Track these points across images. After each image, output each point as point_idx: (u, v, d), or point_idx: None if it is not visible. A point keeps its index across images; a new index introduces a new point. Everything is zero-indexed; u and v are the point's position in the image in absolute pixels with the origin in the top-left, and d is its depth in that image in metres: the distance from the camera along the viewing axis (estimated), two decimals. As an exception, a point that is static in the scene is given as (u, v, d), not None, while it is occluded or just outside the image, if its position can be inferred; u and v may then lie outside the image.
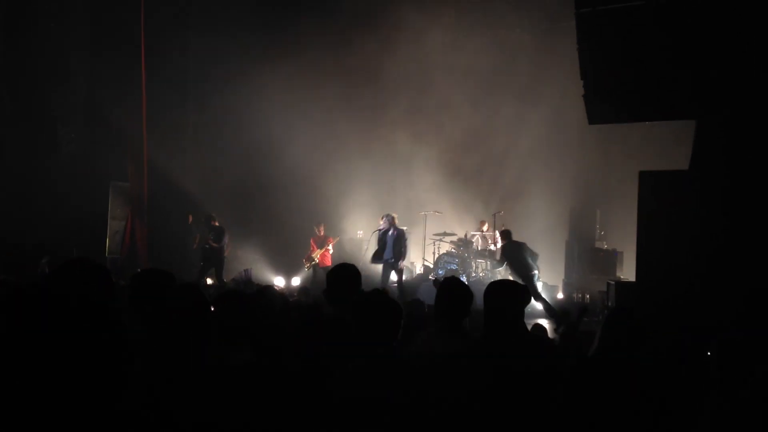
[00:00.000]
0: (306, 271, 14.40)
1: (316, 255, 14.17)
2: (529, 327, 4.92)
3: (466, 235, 14.36)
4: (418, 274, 14.61)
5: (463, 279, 12.85)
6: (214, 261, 13.41)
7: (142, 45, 14.40)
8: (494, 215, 14.68)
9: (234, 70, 15.61)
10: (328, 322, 3.80)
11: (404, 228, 12.64)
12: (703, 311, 5.94)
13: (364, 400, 2.85)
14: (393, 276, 12.01)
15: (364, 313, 3.19)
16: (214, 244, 13.34)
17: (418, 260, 15.30)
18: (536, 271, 11.69)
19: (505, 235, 12.04)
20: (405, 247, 12.14)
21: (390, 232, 12.09)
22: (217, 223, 13.50)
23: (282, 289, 12.96)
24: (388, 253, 12.04)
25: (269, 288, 4.90)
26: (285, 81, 15.20)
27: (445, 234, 14.54)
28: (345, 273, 4.14)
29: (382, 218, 12.41)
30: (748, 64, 6.56)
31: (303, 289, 11.57)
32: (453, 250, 14.15)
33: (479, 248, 14.31)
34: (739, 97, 6.72)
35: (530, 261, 11.61)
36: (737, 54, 6.59)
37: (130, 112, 14.23)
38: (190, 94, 16.48)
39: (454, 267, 13.51)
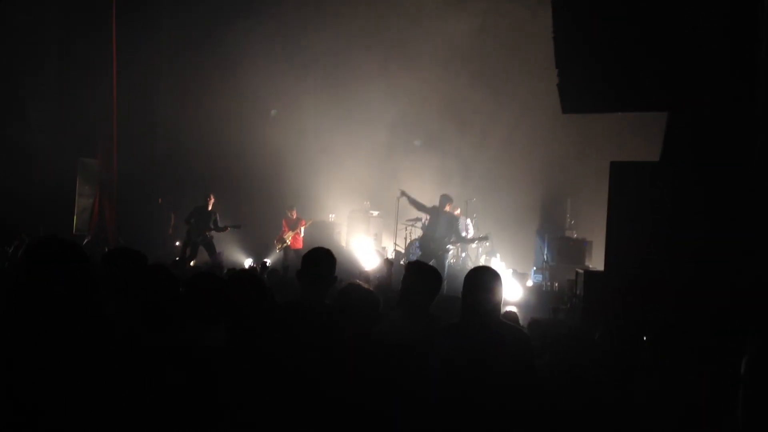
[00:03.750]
0: (277, 252, 14.34)
1: (288, 237, 14.12)
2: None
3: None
4: (390, 259, 14.64)
5: (433, 263, 12.91)
6: (209, 246, 13.10)
7: (113, 21, 14.14)
8: (466, 202, 14.76)
9: (207, 50, 15.43)
10: (304, 305, 3.80)
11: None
12: (669, 301, 6.04)
13: (339, 381, 2.86)
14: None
15: (346, 304, 3.22)
16: (212, 232, 13.08)
17: (390, 245, 15.33)
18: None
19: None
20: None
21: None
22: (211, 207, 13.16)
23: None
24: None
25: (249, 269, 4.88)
26: (258, 62, 15.09)
27: (417, 220, 14.56)
28: (321, 256, 4.13)
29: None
30: (718, 58, 6.64)
31: (272, 271, 11.55)
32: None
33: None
34: (709, 90, 6.80)
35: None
36: (709, 48, 6.67)
37: (100, 89, 13.99)
38: (163, 73, 16.26)
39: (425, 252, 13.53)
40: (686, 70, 6.90)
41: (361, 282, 3.65)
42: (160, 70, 16.13)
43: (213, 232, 13.06)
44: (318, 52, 15.95)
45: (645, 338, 3.07)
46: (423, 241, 11.93)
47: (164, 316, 2.86)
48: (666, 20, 6.86)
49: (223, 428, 2.68)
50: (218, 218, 13.16)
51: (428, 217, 12.45)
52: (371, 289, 3.48)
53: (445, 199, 11.67)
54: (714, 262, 6.23)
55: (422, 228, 13.09)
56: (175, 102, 16.10)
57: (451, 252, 13.27)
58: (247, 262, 13.89)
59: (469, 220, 14.50)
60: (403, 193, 11.68)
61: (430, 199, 12.17)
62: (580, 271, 8.83)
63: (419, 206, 11.75)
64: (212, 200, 13.10)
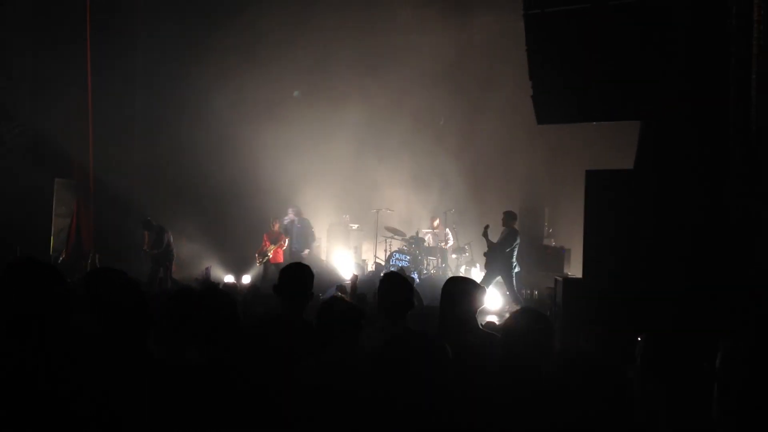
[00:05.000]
0: (257, 266, 14.30)
1: (270, 250, 14.10)
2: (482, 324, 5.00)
3: (417, 233, 14.47)
4: (370, 271, 14.66)
5: (415, 276, 12.97)
6: (163, 261, 13.27)
7: (87, 39, 14.10)
8: (445, 213, 14.86)
9: (183, 65, 15.40)
10: (283, 322, 3.81)
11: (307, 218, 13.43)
12: (647, 307, 6.12)
13: (318, 399, 2.87)
14: None
15: (328, 320, 3.22)
16: (155, 251, 13.18)
17: (370, 257, 15.35)
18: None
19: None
20: (312, 236, 12.72)
21: (296, 223, 12.67)
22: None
23: (234, 286, 12.86)
24: (296, 244, 12.62)
25: (220, 288, 4.88)
26: (235, 76, 15.10)
27: (396, 231, 14.62)
28: (299, 272, 4.16)
29: (289, 210, 12.91)
30: (691, 68, 6.76)
31: (252, 287, 11.53)
32: (404, 247, 14.24)
33: (430, 245, 14.44)
34: (681, 99, 6.92)
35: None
36: (681, 58, 6.79)
37: (76, 108, 13.91)
38: (138, 91, 16.19)
39: (405, 264, 13.59)
40: (658, 80, 7.02)
41: (343, 295, 3.70)
42: (135, 89, 16.07)
43: (155, 250, 13.20)
44: (297, 67, 15.98)
45: (639, 339, 3.11)
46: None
47: (139, 333, 2.85)
48: (637, 31, 6.98)
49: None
50: (167, 230, 13.36)
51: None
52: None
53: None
54: (688, 266, 6.33)
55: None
56: (152, 119, 16.03)
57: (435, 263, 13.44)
58: (227, 278, 13.85)
59: (448, 230, 14.59)
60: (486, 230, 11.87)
61: (410, 210, 12.29)
62: (559, 278, 8.90)
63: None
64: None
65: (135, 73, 15.92)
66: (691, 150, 6.68)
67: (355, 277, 8.94)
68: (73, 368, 2.62)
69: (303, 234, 13.54)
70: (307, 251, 13.42)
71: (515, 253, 11.61)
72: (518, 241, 11.64)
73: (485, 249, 11.91)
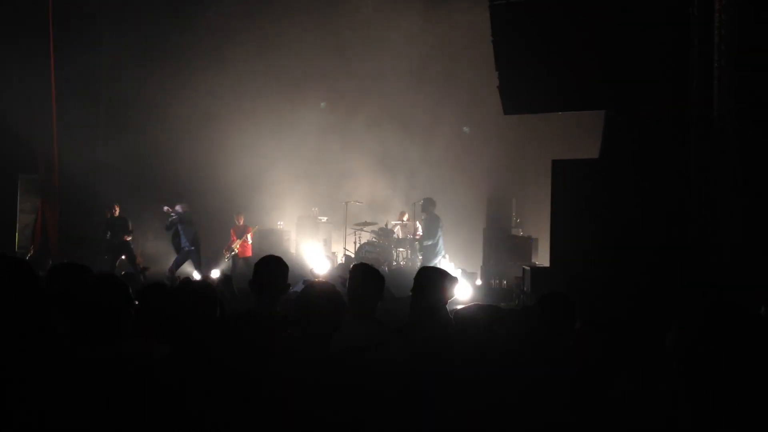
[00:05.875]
0: (226, 261, 14.21)
1: (236, 245, 14.01)
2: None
3: (386, 225, 14.50)
4: (340, 264, 14.66)
5: (384, 269, 13.01)
6: (126, 250, 13.27)
7: (50, 32, 13.85)
8: (414, 205, 14.91)
9: (147, 58, 15.21)
10: (256, 314, 3.81)
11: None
12: (612, 294, 6.23)
13: (293, 394, 2.87)
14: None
15: (310, 307, 3.22)
16: (128, 238, 13.22)
17: (340, 250, 15.35)
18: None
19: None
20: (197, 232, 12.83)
21: (186, 220, 12.68)
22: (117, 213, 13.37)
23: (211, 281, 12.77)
24: (185, 241, 12.65)
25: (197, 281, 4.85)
26: (199, 68, 14.97)
27: (365, 224, 14.62)
28: (273, 264, 4.15)
29: (176, 206, 12.87)
30: (654, 59, 6.88)
31: (225, 277, 11.45)
32: (374, 239, 14.26)
33: (399, 237, 14.48)
34: (644, 89, 7.04)
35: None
36: (645, 48, 6.91)
37: (39, 103, 13.67)
38: (103, 88, 15.95)
39: (374, 256, 13.61)
40: (622, 70, 7.13)
41: (323, 280, 3.70)
42: (99, 85, 15.82)
43: (129, 237, 13.30)
44: (264, 56, 15.86)
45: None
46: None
47: (109, 329, 2.82)
48: (602, 22, 7.08)
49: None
50: (129, 224, 13.43)
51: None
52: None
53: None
54: (651, 254, 6.46)
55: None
56: (117, 116, 15.80)
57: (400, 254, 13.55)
58: (196, 274, 13.74)
59: (417, 223, 14.65)
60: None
61: (379, 202, 12.36)
62: (527, 267, 9.02)
63: None
64: (117, 208, 13.38)
65: (99, 70, 15.65)
66: (654, 139, 6.81)
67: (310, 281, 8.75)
68: (43, 366, 2.60)
69: (189, 231, 13.29)
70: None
71: (439, 239, 11.67)
72: (440, 226, 11.70)
73: (455, 240, 12.04)
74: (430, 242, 11.67)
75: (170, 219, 12.87)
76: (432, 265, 11.41)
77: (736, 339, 2.65)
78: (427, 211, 11.75)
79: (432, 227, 11.68)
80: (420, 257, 13.03)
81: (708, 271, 5.63)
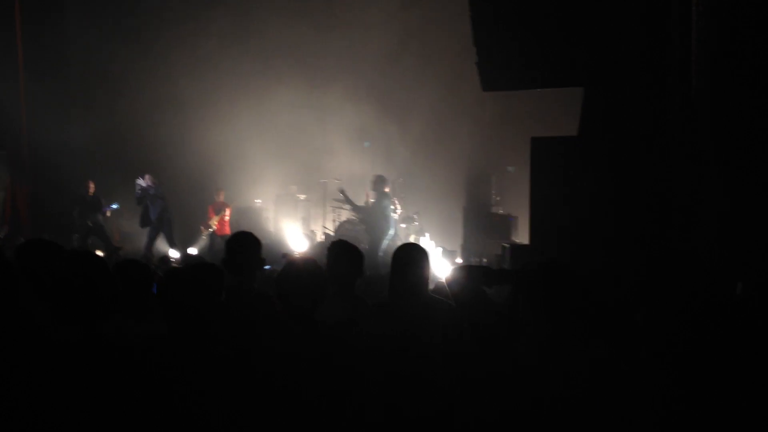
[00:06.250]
0: (203, 239, 14.11)
1: (214, 222, 13.91)
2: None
3: (366, 203, 14.43)
4: (319, 242, 14.60)
5: (364, 246, 12.97)
6: (98, 231, 13.17)
7: (16, 8, 13.53)
8: (393, 182, 14.86)
9: (118, 29, 14.96)
10: (236, 294, 3.76)
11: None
12: (591, 271, 6.25)
13: (281, 370, 2.86)
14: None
15: (293, 283, 3.19)
16: (108, 214, 13.14)
17: (319, 228, 15.29)
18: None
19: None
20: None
21: (151, 193, 12.52)
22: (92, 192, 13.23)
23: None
24: (153, 215, 12.53)
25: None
26: (173, 40, 14.76)
27: (343, 201, 14.55)
28: (245, 241, 4.10)
29: (145, 177, 12.72)
30: (631, 35, 6.86)
31: (200, 259, 11.37)
32: (353, 217, 14.20)
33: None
34: (621, 66, 7.02)
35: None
36: (621, 25, 6.88)
37: (5, 76, 13.37)
38: (74, 56, 15.63)
39: (353, 234, 13.55)
40: (600, 46, 7.10)
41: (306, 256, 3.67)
42: (71, 60, 15.52)
43: (102, 217, 13.22)
44: (238, 33, 15.66)
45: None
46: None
47: (84, 308, 2.74)
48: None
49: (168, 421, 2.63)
50: (103, 203, 13.28)
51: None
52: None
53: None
54: (629, 232, 6.48)
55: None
56: (89, 93, 15.53)
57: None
58: (173, 252, 13.61)
59: (396, 200, 14.60)
60: (342, 192, 11.67)
61: (358, 180, 12.26)
62: (507, 245, 9.03)
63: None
64: (92, 186, 13.19)
65: (68, 47, 15.35)
66: (631, 115, 6.80)
67: (290, 255, 8.70)
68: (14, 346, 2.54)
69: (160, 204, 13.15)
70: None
71: (386, 215, 11.58)
72: (386, 203, 11.59)
73: (435, 218, 11.99)
74: (372, 215, 11.54)
75: (137, 193, 12.67)
76: (382, 244, 11.38)
77: (701, 320, 2.68)
78: (377, 189, 11.64)
79: (377, 203, 11.57)
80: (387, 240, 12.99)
81: (686, 249, 5.65)
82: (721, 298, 2.72)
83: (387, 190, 11.72)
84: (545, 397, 2.72)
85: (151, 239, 12.80)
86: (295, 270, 3.29)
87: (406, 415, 2.89)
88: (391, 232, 11.56)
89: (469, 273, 3.41)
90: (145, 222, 12.82)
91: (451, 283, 3.52)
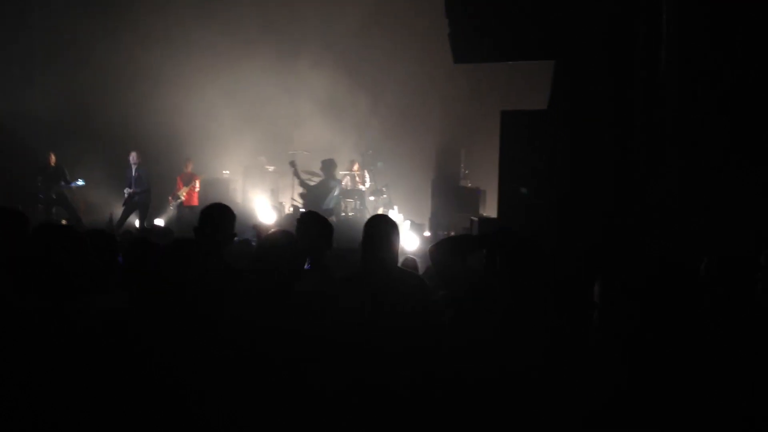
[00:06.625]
0: (171, 209, 13.97)
1: (182, 192, 13.76)
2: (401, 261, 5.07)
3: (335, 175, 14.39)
4: (287, 215, 14.53)
5: (333, 219, 12.95)
6: (62, 201, 13.10)
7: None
8: (362, 155, 14.84)
9: (82, 4, 14.61)
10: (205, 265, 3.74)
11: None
12: (558, 243, 6.33)
13: (252, 340, 2.86)
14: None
15: (272, 255, 3.19)
16: (79, 183, 13.13)
17: (287, 200, 15.22)
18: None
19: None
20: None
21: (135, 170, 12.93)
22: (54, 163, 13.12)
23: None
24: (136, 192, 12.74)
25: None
26: (141, 8, 14.48)
27: (313, 174, 14.48)
28: (219, 212, 4.08)
29: (132, 155, 13.16)
30: (599, 10, 6.88)
31: (167, 230, 11.26)
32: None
33: (348, 188, 14.39)
34: (590, 40, 7.05)
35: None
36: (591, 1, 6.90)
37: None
38: (36, 24, 15.21)
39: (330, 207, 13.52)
40: (571, 20, 7.11)
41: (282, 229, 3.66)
42: (34, 30, 15.11)
43: (65, 188, 13.18)
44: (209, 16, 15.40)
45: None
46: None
47: (55, 282, 2.68)
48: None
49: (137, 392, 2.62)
50: (66, 173, 13.16)
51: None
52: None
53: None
54: (592, 205, 6.56)
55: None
56: (54, 62, 15.14)
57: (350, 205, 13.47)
58: (137, 223, 13.46)
59: (366, 172, 14.58)
60: (293, 165, 11.58)
61: (328, 152, 12.20)
62: (475, 219, 9.09)
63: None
64: (53, 157, 13.13)
65: (30, 11, 14.94)
66: (601, 90, 6.85)
67: (260, 225, 8.63)
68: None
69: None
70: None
71: (329, 197, 11.58)
72: (332, 186, 11.58)
73: (404, 191, 11.99)
74: (316, 193, 11.53)
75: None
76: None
77: (657, 293, 2.75)
78: (326, 172, 11.63)
79: (324, 182, 11.56)
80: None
81: (649, 223, 5.75)
82: (679, 272, 2.77)
83: (341, 175, 11.70)
84: (509, 365, 2.77)
85: (124, 217, 12.88)
86: (273, 242, 3.30)
87: (375, 384, 2.92)
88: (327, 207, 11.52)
89: (447, 247, 3.42)
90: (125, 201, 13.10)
91: (436, 262, 3.53)
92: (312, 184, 11.55)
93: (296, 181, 11.41)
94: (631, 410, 2.51)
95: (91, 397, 2.49)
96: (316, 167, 14.78)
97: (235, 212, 4.17)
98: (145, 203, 13.23)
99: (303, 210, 11.79)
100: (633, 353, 2.65)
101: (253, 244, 6.60)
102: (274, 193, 15.70)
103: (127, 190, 13.26)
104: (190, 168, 14.12)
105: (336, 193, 11.47)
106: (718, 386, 2.48)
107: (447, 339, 3.16)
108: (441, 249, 3.40)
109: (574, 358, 2.83)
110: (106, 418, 2.50)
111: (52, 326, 2.53)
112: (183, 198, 13.78)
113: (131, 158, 13.20)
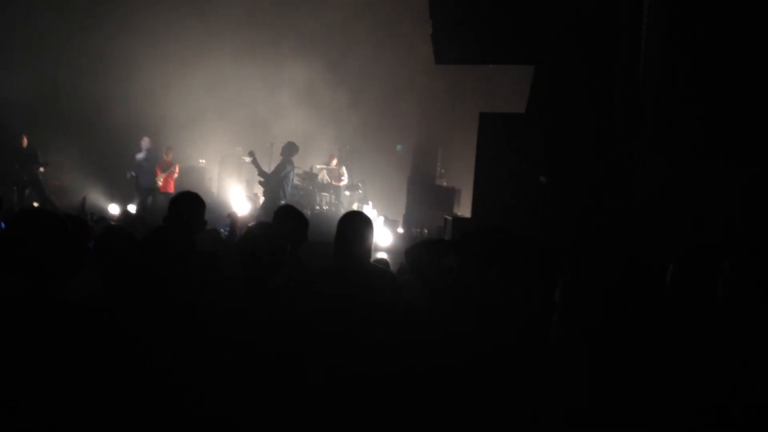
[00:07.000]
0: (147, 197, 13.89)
1: (160, 179, 13.67)
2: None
3: (311, 169, 14.39)
4: (262, 204, 14.49)
5: (307, 212, 12.95)
6: (35, 184, 12.92)
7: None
8: (340, 150, 14.85)
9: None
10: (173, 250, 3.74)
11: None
12: (533, 243, 6.39)
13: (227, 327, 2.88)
14: None
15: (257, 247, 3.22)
16: (41, 169, 12.91)
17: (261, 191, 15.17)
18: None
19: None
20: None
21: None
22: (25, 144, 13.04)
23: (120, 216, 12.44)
24: (145, 182, 13.31)
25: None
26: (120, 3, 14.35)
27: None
28: (191, 201, 4.08)
29: (144, 140, 13.42)
30: (581, 18, 6.95)
31: (139, 218, 11.19)
32: (298, 183, 14.13)
33: (324, 182, 14.40)
34: (571, 47, 7.13)
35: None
36: (574, 6, 6.97)
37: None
38: (17, 11, 15.02)
39: (297, 199, 13.50)
40: (552, 26, 7.19)
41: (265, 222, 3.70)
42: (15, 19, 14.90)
43: (39, 169, 13.09)
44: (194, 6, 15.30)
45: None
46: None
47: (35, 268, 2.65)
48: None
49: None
50: (39, 155, 13.11)
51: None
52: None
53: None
54: (567, 209, 6.64)
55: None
56: (32, 47, 14.95)
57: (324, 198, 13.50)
58: (112, 208, 13.34)
59: (344, 167, 14.60)
60: (252, 154, 11.52)
61: (305, 145, 12.18)
62: (449, 217, 9.14)
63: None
64: (25, 140, 13.09)
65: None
66: (580, 96, 6.92)
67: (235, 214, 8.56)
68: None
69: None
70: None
71: (286, 182, 11.55)
72: (289, 170, 11.54)
73: (379, 188, 12.01)
74: (272, 180, 11.48)
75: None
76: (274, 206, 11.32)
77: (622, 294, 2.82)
78: (284, 155, 11.56)
79: (279, 168, 11.49)
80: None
81: (623, 229, 5.83)
82: (645, 273, 2.85)
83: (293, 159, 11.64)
84: (478, 357, 2.83)
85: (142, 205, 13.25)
86: (257, 233, 3.33)
87: (353, 373, 2.98)
88: (282, 198, 11.39)
89: (424, 249, 3.50)
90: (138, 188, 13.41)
91: (413, 261, 3.59)
92: (270, 172, 11.53)
93: (257, 171, 11.37)
94: (591, 407, 2.57)
95: (70, 384, 2.48)
96: (294, 159, 14.77)
97: (209, 201, 4.18)
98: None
99: (263, 198, 11.74)
100: (591, 352, 2.72)
101: (225, 233, 6.59)
102: (249, 183, 15.65)
103: (131, 173, 13.52)
104: (170, 156, 14.04)
105: (291, 177, 11.44)
106: (678, 385, 2.55)
107: (423, 332, 3.21)
108: (417, 249, 3.50)
109: (535, 354, 2.90)
110: (85, 404, 2.49)
111: (30, 311, 2.51)
112: (160, 184, 13.70)
113: (144, 143, 13.48)
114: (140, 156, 13.59)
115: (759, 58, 4.86)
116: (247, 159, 11.75)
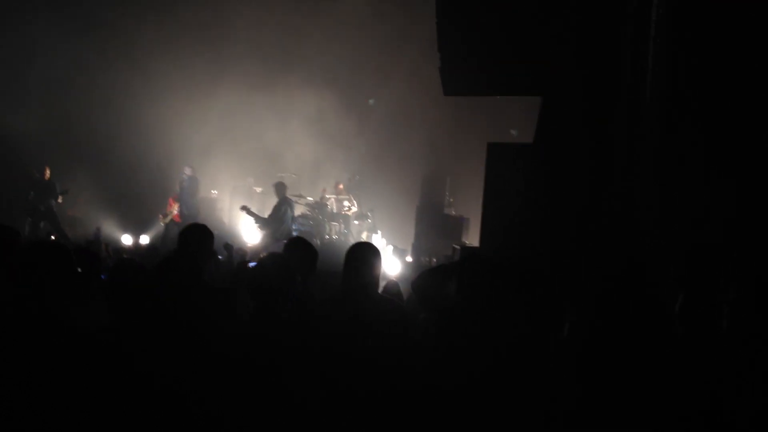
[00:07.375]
0: (161, 225, 13.99)
1: (174, 209, 13.79)
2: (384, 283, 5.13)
3: (321, 198, 14.48)
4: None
5: (317, 242, 13.00)
6: (50, 216, 12.96)
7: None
8: (349, 179, 14.94)
9: (78, 16, 14.70)
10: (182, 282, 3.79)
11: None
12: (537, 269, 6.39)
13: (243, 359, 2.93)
14: None
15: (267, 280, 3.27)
16: (60, 198, 13.01)
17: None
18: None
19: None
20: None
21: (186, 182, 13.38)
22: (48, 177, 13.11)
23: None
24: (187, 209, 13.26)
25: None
26: (132, 30, 14.57)
27: (300, 196, 14.55)
28: (199, 232, 4.14)
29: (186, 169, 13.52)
30: (585, 48, 7.02)
31: (151, 248, 11.26)
32: (308, 212, 14.21)
33: (334, 211, 14.48)
34: (578, 78, 7.19)
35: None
36: (578, 37, 7.05)
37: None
38: (37, 51, 15.32)
39: (308, 229, 13.58)
40: (559, 58, 7.26)
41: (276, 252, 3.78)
42: (34, 48, 15.19)
43: (54, 202, 13.12)
44: (201, 20, 15.52)
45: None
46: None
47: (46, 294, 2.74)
48: (539, 11, 7.17)
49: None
50: (57, 189, 13.20)
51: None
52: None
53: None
54: (575, 240, 6.64)
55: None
56: (50, 79, 15.21)
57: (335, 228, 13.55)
58: (125, 239, 13.44)
59: (351, 197, 14.67)
60: (245, 208, 11.72)
61: (314, 175, 12.25)
62: (457, 246, 9.16)
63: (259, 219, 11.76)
64: (48, 171, 13.19)
65: (32, 33, 15.02)
66: (585, 127, 6.96)
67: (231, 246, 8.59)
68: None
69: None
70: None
71: (287, 219, 11.66)
72: (284, 209, 11.68)
73: (388, 217, 12.04)
74: (272, 223, 11.61)
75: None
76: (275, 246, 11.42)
77: (626, 336, 2.84)
78: (277, 194, 11.74)
79: (275, 209, 11.64)
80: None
81: (628, 261, 5.83)
82: (653, 306, 2.87)
83: (290, 195, 11.84)
84: (476, 375, 2.86)
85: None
86: (267, 264, 3.39)
87: (359, 396, 3.02)
88: (285, 235, 11.50)
89: (427, 275, 3.60)
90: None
91: (419, 290, 3.66)
92: (263, 217, 11.77)
93: (255, 222, 11.63)
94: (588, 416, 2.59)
95: (70, 409, 2.53)
96: (304, 188, 14.88)
97: (219, 232, 4.25)
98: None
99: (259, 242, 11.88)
100: (589, 361, 2.74)
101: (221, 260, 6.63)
102: (261, 213, 15.74)
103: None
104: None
105: (288, 214, 11.60)
106: (678, 386, 2.56)
107: (426, 354, 3.26)
108: (422, 277, 3.57)
109: (533, 367, 2.92)
110: (89, 421, 2.54)
111: (40, 333, 2.58)
112: (175, 213, 13.80)
113: (187, 171, 13.63)
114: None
115: (759, 58, 4.88)
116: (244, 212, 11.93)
